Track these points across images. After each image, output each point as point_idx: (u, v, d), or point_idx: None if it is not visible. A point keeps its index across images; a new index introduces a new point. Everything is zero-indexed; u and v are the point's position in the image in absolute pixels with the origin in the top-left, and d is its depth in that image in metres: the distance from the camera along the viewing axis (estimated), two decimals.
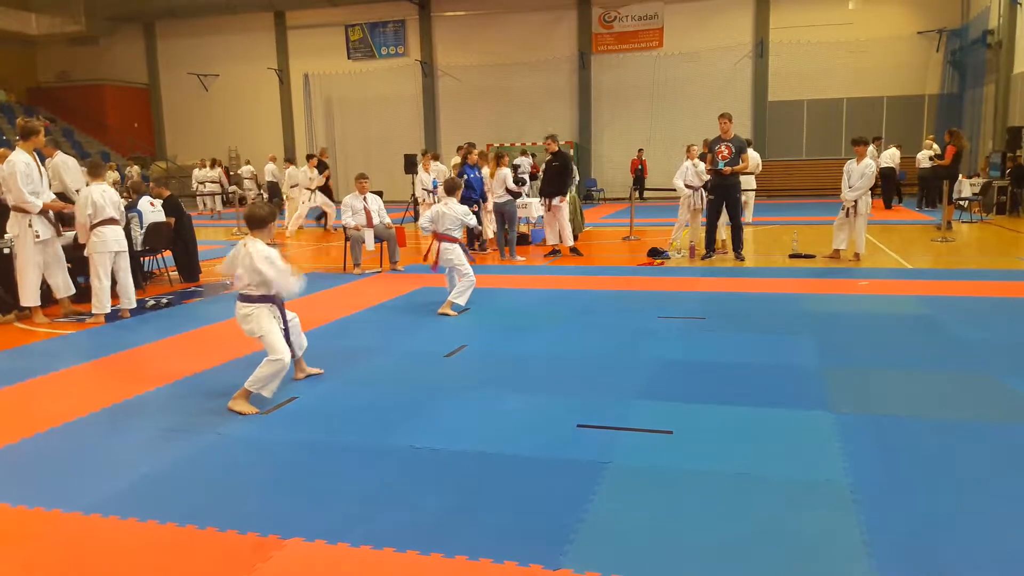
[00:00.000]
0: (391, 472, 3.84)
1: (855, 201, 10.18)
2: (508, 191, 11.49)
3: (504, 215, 11.59)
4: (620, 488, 3.57)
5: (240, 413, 4.74)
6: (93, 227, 7.67)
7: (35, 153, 7.83)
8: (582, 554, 2.97)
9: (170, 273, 10.48)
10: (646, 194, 20.35)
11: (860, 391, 4.97)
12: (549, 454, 3.99)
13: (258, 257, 4.80)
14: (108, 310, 7.87)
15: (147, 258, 10.17)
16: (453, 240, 7.73)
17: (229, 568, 2.95)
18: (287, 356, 4.87)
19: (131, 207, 9.94)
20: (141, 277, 9.82)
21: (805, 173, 23.83)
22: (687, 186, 12.14)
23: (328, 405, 4.92)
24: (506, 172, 11.54)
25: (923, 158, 17.75)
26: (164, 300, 8.84)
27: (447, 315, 7.53)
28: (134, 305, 8.13)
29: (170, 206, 10.27)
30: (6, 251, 8.20)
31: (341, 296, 8.88)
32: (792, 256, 10.84)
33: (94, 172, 7.98)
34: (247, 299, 4.95)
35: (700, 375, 5.36)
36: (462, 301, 7.69)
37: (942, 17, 23.07)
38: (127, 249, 8.00)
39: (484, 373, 5.62)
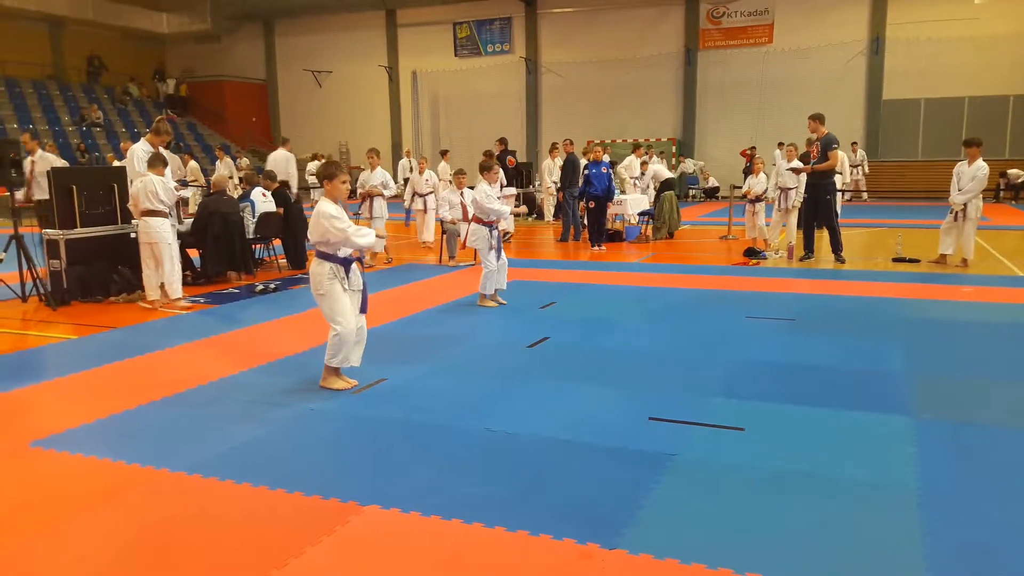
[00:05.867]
0: (465, 451, 4.05)
1: (964, 205, 9.79)
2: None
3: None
4: (683, 479, 3.67)
5: (334, 389, 5.07)
6: (139, 217, 8.07)
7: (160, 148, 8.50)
8: (639, 537, 3.10)
9: (279, 261, 11.07)
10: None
11: (945, 398, 4.87)
12: (618, 443, 4.11)
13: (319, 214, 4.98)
14: (155, 296, 8.20)
15: (258, 245, 10.77)
16: (480, 223, 7.87)
17: (312, 529, 3.22)
18: (348, 326, 4.97)
19: (244, 197, 10.59)
20: (252, 263, 10.42)
21: (920, 175, 22.83)
22: (778, 187, 11.99)
23: (413, 387, 5.18)
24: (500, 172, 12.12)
25: None
26: (272, 286, 9.37)
27: (488, 306, 7.85)
28: (175, 296, 8.17)
29: (279, 197, 10.84)
30: (132, 235, 8.88)
31: (435, 287, 9.19)
32: (895, 260, 10.52)
33: (151, 165, 8.16)
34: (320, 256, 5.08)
35: (781, 376, 5.36)
36: (484, 290, 7.85)
37: None
38: (167, 242, 8.05)
39: (564, 364, 5.77)
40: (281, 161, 13.09)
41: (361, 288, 5.19)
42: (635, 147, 16.32)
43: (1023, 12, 22.17)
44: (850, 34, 23.97)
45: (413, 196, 13.21)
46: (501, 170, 12.62)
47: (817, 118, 10.47)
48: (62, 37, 28.82)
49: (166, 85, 31.09)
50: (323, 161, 10.73)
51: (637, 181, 15.82)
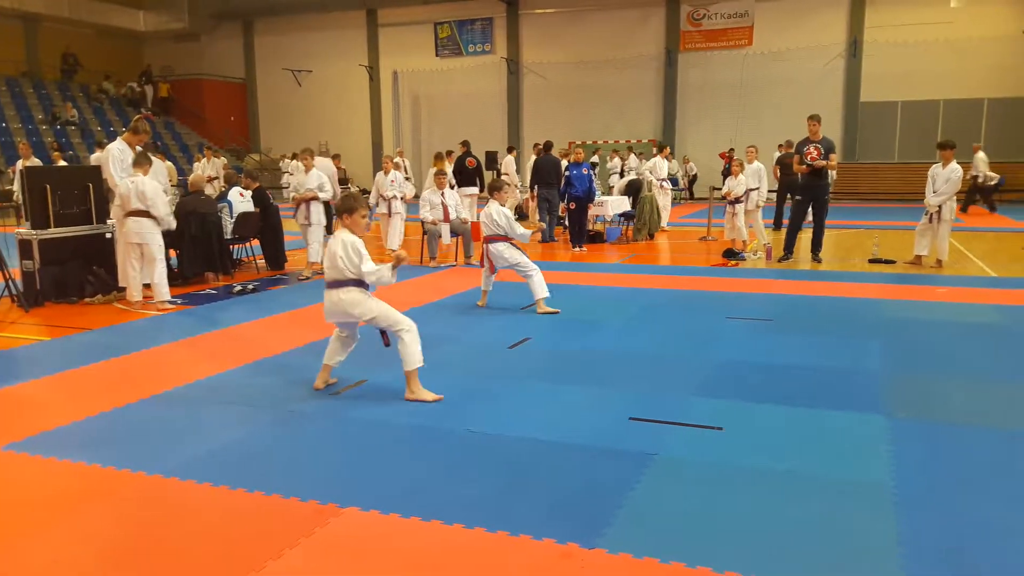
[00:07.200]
0: (447, 452, 4.04)
1: (939, 206, 9.91)
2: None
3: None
4: (663, 479, 3.68)
5: (424, 400, 4.82)
6: (124, 217, 7.97)
7: (137, 148, 8.40)
8: (618, 536, 3.11)
9: (257, 261, 11.00)
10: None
11: (921, 397, 4.92)
12: (599, 443, 4.12)
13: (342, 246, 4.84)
14: (139, 298, 8.12)
15: (236, 246, 10.69)
16: (498, 239, 7.66)
17: (290, 531, 3.19)
18: (409, 321, 4.87)
19: (222, 197, 10.51)
20: (230, 264, 10.35)
21: (896, 176, 23.11)
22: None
23: (394, 388, 5.13)
24: (449, 170, 12.22)
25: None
26: (251, 286, 9.30)
27: (549, 312, 7.49)
28: (161, 298, 8.08)
29: (258, 197, 10.77)
30: (108, 235, 8.79)
31: (416, 288, 9.17)
32: (872, 261, 10.63)
33: (137, 164, 8.07)
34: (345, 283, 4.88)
35: (760, 375, 5.39)
36: (544, 292, 7.57)
37: None
38: (158, 243, 8.00)
39: (545, 365, 5.77)
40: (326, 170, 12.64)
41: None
42: (660, 148, 16.28)
43: (997, 16, 22.50)
44: (828, 37, 24.22)
45: (378, 199, 12.49)
46: (449, 172, 12.47)
47: (817, 119, 10.57)
48: (37, 34, 28.46)
49: (145, 98, 30.57)
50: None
51: (664, 183, 15.75)
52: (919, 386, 5.14)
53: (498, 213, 7.69)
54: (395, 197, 12.31)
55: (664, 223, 15.33)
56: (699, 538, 3.11)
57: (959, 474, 3.71)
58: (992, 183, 21.06)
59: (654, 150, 18.37)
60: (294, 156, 26.00)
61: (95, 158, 13.75)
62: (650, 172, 15.31)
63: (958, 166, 9.95)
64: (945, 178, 9.91)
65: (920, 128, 23.46)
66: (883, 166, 24.03)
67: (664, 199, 15.30)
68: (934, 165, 10.23)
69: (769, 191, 12.79)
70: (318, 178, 10.40)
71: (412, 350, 4.84)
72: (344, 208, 4.92)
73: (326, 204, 10.72)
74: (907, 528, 3.16)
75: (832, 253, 11.57)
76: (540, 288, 7.56)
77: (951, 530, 3.15)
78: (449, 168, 13.78)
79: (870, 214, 18.65)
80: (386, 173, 12.39)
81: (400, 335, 4.83)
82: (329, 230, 15.35)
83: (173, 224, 8.27)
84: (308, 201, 10.30)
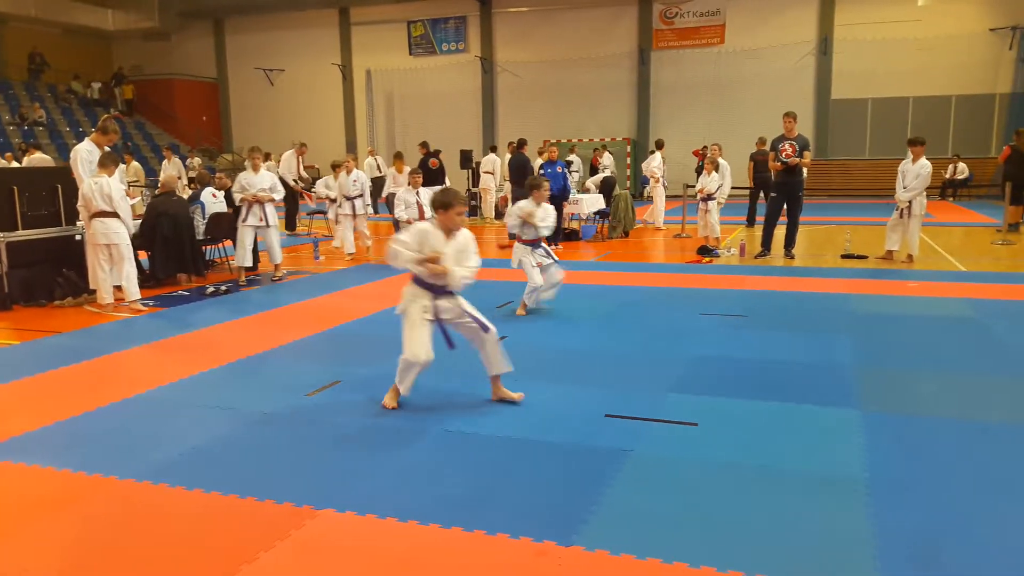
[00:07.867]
0: (423, 452, 4.03)
1: (909, 202, 10.04)
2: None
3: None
4: (639, 475, 3.70)
5: (386, 407, 4.74)
6: (91, 218, 7.83)
7: (107, 149, 8.28)
8: (595, 534, 3.11)
9: (230, 262, 10.88)
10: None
11: (893, 391, 4.98)
12: (575, 441, 4.13)
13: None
14: (110, 300, 7.98)
15: (208, 247, 10.57)
16: (523, 242, 7.59)
17: (266, 533, 3.17)
18: (413, 355, 4.60)
19: (194, 198, 10.38)
20: (202, 265, 10.23)
21: (867, 173, 23.40)
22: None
23: (369, 389, 5.12)
24: (407, 170, 12.14)
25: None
26: (223, 287, 9.21)
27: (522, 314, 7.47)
28: (132, 298, 8.02)
29: (230, 198, 10.65)
30: (78, 237, 8.66)
31: (391, 286, 9.11)
32: (844, 256, 10.74)
33: (102, 164, 7.94)
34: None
35: (734, 371, 5.43)
36: (529, 302, 7.54)
37: (1016, 13, 22.36)
38: (126, 243, 7.88)
39: (521, 363, 5.71)
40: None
41: (447, 318, 4.78)
42: (658, 146, 16.34)
43: (964, 14, 22.83)
44: (799, 35, 24.44)
45: (340, 199, 12.28)
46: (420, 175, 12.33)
47: (793, 116, 10.65)
48: (3, 34, 28.00)
49: (115, 98, 30.12)
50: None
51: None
52: (891, 380, 5.20)
53: (517, 209, 7.57)
54: (360, 196, 12.21)
55: (661, 222, 15.34)
56: (675, 534, 3.12)
57: (932, 467, 3.76)
58: (962, 177, 21.43)
59: (631, 149, 18.42)
60: (266, 157, 25.85)
61: (36, 159, 14.20)
62: (657, 169, 15.34)
63: (927, 162, 10.09)
64: (915, 174, 10.04)
65: (890, 124, 23.71)
66: (854, 162, 24.29)
67: (659, 198, 15.41)
68: (904, 161, 10.36)
69: (737, 188, 12.93)
70: (270, 179, 9.89)
71: (400, 373, 4.72)
72: (440, 203, 4.67)
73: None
74: (881, 520, 3.19)
75: (804, 249, 11.67)
76: (529, 296, 7.54)
77: (924, 522, 3.19)
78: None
79: (841, 210, 18.84)
80: (348, 173, 12.25)
81: (400, 359, 4.69)
82: (292, 227, 15.39)
83: (131, 227, 8.09)
84: (263, 203, 9.68)
